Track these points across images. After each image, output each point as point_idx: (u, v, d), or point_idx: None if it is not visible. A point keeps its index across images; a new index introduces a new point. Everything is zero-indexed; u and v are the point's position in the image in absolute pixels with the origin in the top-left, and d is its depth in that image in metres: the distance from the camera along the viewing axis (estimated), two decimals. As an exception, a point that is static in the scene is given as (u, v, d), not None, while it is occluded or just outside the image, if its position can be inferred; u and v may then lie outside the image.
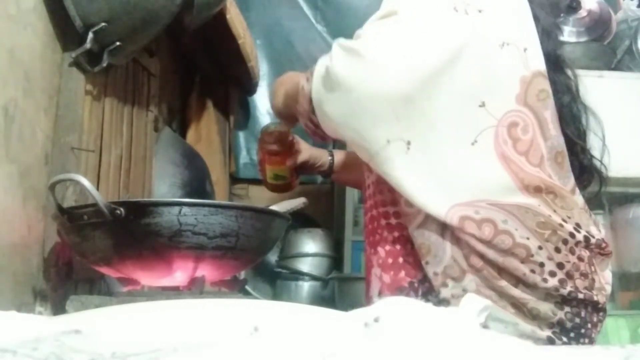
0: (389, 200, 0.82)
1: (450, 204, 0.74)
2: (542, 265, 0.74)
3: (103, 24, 0.98)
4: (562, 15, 2.09)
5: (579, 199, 0.83)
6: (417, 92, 0.72)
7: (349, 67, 0.72)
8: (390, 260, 0.81)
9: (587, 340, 0.76)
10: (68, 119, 1.01)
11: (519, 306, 0.74)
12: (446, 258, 0.75)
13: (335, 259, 1.94)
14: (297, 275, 1.87)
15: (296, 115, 0.87)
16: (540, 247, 0.74)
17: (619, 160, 1.08)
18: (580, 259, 0.76)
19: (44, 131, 0.96)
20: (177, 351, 0.38)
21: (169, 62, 1.78)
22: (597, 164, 0.92)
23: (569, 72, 0.92)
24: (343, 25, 2.48)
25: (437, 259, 0.75)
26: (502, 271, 0.74)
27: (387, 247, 0.81)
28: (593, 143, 0.92)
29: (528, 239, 0.74)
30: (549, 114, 0.79)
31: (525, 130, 0.76)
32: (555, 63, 0.89)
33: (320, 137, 0.84)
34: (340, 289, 1.60)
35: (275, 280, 1.95)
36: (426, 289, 0.77)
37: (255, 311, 0.52)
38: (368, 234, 0.86)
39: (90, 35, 0.98)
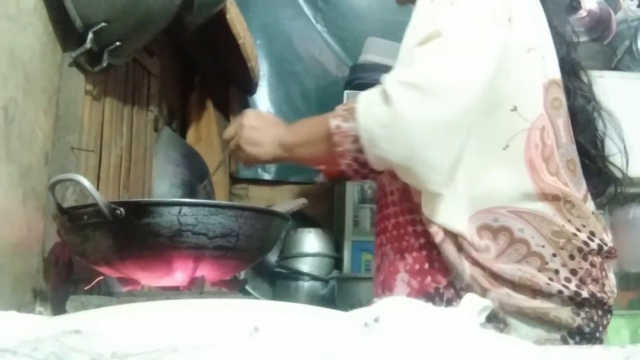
0: (416, 208, 0.81)
1: (472, 212, 0.77)
2: (557, 272, 0.76)
3: (103, 24, 0.98)
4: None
5: (590, 205, 0.84)
6: (475, 112, 0.73)
7: (412, 102, 0.69)
8: (417, 267, 0.81)
9: (597, 342, 0.77)
10: (68, 119, 1.01)
11: (539, 316, 0.76)
12: (466, 277, 0.76)
13: (335, 259, 1.94)
14: (297, 275, 1.87)
15: (322, 158, 0.84)
16: (554, 255, 0.76)
17: (619, 160, 1.08)
18: (592, 265, 0.78)
19: (44, 131, 0.96)
20: (177, 351, 0.38)
21: (169, 62, 1.78)
22: (614, 168, 0.93)
23: (584, 77, 0.92)
24: (343, 25, 2.49)
25: (459, 278, 0.77)
26: (518, 287, 0.76)
27: (414, 254, 0.82)
28: (612, 148, 0.93)
29: (543, 247, 0.76)
30: (561, 122, 0.81)
31: (548, 136, 0.79)
32: (571, 68, 0.90)
33: (362, 176, 0.81)
34: (340, 289, 1.60)
35: (275, 280, 1.95)
36: (451, 295, 0.78)
37: (255, 311, 0.52)
38: (393, 240, 0.86)
39: (90, 35, 0.98)
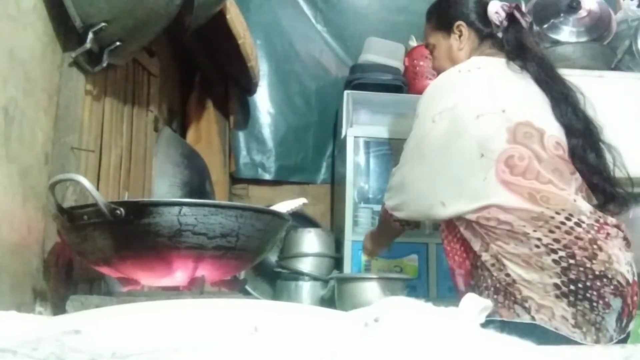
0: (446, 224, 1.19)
1: (476, 214, 1.08)
2: (539, 239, 1.00)
3: (103, 24, 0.98)
4: (562, 15, 2.09)
5: (577, 197, 1.06)
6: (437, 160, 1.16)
7: (388, 197, 1.31)
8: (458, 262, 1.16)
9: (601, 302, 0.96)
10: (68, 119, 1.01)
11: (526, 260, 1.00)
12: (477, 242, 1.08)
13: (335, 259, 1.94)
14: (297, 275, 1.87)
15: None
16: (535, 230, 1.01)
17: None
18: (578, 238, 1.00)
19: (44, 131, 0.96)
20: (177, 351, 0.38)
21: (169, 62, 1.78)
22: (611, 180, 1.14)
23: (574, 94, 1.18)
24: (343, 25, 2.48)
25: (476, 244, 1.08)
26: (508, 239, 1.03)
27: (456, 257, 1.17)
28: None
29: (524, 226, 1.02)
30: (537, 146, 1.08)
31: (521, 159, 1.07)
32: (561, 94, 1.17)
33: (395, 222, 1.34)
34: (340, 289, 1.59)
35: (275, 280, 1.95)
36: (477, 249, 1.10)
37: (255, 311, 0.52)
38: (447, 252, 1.20)
39: (90, 35, 0.98)
